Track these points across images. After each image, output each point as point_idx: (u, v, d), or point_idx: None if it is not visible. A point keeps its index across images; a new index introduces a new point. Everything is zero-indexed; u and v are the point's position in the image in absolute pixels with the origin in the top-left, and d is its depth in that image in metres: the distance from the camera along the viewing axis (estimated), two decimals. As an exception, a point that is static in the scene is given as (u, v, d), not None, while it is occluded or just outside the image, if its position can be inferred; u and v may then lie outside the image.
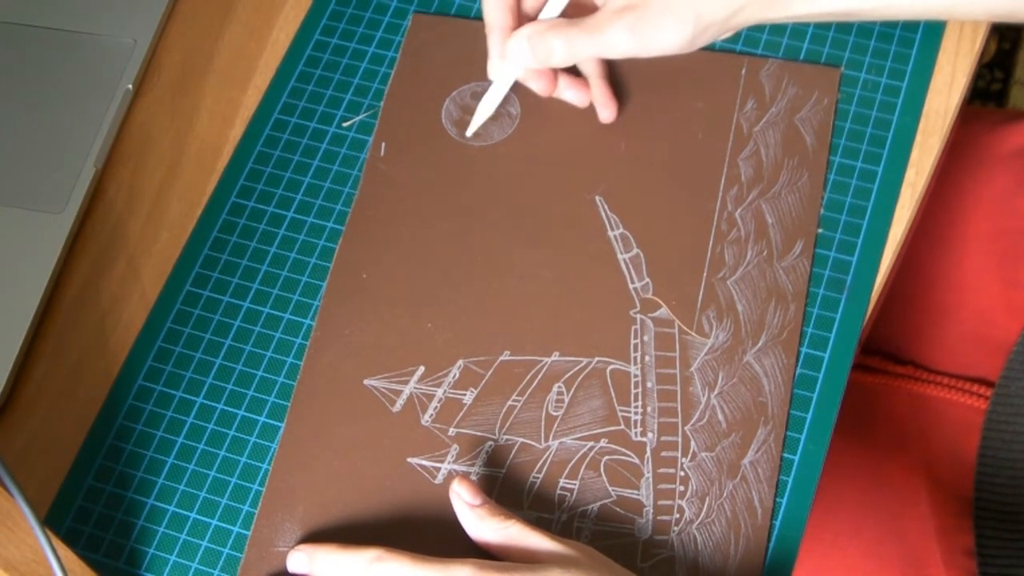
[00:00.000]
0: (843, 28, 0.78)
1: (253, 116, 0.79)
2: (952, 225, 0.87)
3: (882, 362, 0.87)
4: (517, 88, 0.77)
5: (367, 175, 0.76)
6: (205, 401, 0.71)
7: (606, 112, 0.76)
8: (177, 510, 0.69)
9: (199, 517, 0.68)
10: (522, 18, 0.74)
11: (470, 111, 0.77)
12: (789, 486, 0.67)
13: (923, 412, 0.85)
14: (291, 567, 0.66)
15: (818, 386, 0.69)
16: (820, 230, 0.73)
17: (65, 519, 0.69)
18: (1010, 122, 0.89)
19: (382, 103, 0.78)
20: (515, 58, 0.72)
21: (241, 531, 0.68)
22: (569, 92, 0.76)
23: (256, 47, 0.82)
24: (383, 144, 0.77)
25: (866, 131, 0.75)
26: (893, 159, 0.74)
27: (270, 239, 0.75)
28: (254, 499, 0.68)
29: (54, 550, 0.57)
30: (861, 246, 0.72)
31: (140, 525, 0.68)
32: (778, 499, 0.67)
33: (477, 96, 0.77)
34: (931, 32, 0.78)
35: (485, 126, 0.76)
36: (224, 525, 0.68)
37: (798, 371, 0.70)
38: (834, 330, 0.70)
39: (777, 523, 0.66)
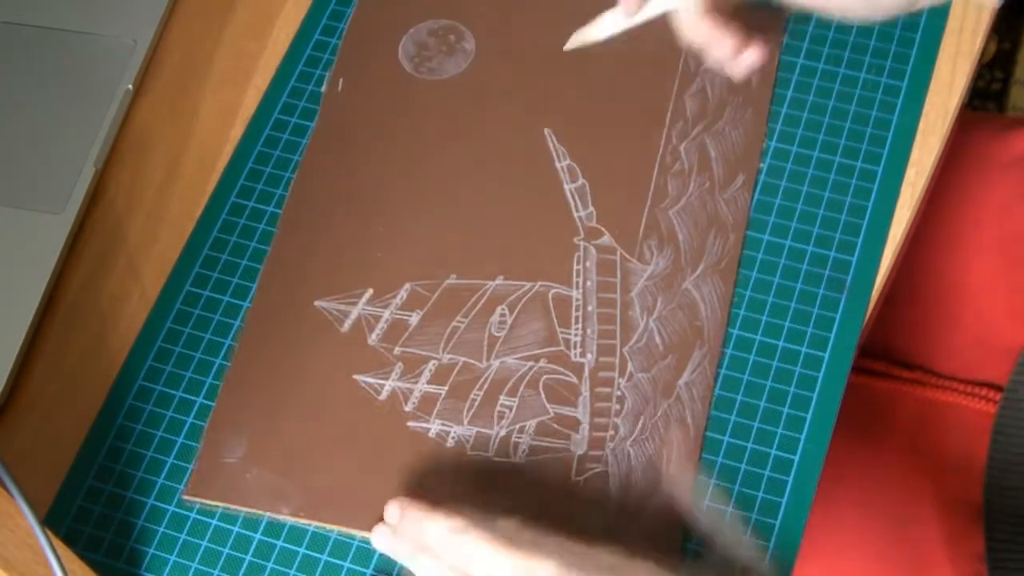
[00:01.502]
0: (843, 28, 0.78)
1: (253, 116, 0.79)
2: (956, 230, 0.87)
3: (890, 367, 0.87)
4: (472, 23, 0.78)
5: (324, 109, 0.78)
6: (205, 401, 0.71)
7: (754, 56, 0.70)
8: (177, 510, 0.69)
9: (199, 517, 0.68)
10: None
11: (426, 47, 0.79)
12: (789, 486, 0.67)
13: (931, 417, 0.85)
14: (387, 518, 0.65)
15: (818, 386, 0.69)
16: (763, 165, 0.74)
17: (65, 519, 0.69)
18: (1012, 128, 0.89)
19: (341, 40, 0.80)
20: None
21: (241, 531, 0.68)
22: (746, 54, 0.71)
23: (256, 47, 0.82)
24: (340, 79, 0.79)
25: (866, 131, 0.75)
26: (893, 159, 0.74)
27: (270, 239, 0.75)
28: (254, 499, 0.69)
29: (54, 550, 0.58)
30: (861, 246, 0.72)
31: (140, 525, 0.68)
32: (778, 499, 0.67)
33: (434, 33, 0.79)
34: (931, 32, 0.78)
35: (440, 61, 0.78)
36: (224, 525, 0.68)
37: (798, 371, 0.70)
38: (834, 330, 0.70)
39: (777, 523, 0.66)
